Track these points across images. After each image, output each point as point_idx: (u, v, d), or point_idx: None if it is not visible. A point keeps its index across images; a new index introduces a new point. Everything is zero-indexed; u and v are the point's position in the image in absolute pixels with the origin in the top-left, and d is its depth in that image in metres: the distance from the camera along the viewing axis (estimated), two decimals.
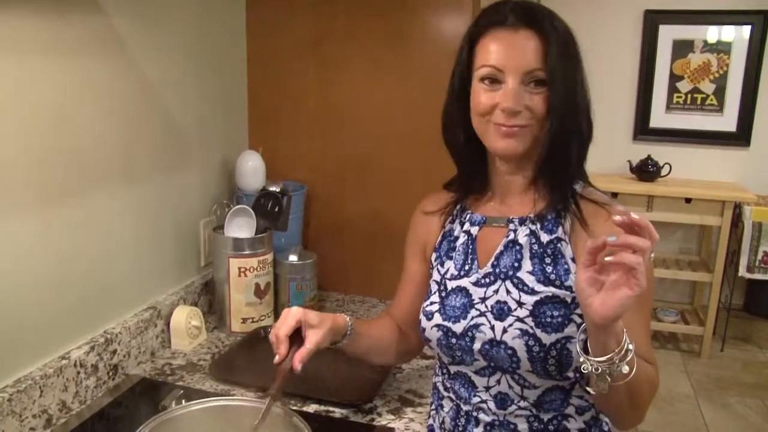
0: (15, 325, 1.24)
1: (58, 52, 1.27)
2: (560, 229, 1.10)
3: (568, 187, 1.12)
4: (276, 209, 1.67)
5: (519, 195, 1.16)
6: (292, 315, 1.13)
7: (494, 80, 1.07)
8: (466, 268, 1.16)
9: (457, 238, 1.20)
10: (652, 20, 4.34)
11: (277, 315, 1.75)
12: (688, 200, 3.97)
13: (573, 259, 1.07)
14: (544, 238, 1.10)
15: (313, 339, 1.13)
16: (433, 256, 1.24)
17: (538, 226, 1.11)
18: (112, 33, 1.41)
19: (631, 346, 0.90)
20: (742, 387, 3.78)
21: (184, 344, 1.61)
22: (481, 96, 1.08)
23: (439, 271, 1.21)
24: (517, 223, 1.13)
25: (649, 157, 4.16)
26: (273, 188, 1.73)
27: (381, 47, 1.81)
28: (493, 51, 1.07)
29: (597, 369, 0.90)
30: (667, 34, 4.37)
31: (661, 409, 3.53)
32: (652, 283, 1.04)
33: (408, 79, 1.81)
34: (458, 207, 1.23)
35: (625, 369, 0.89)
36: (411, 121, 1.82)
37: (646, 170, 4.13)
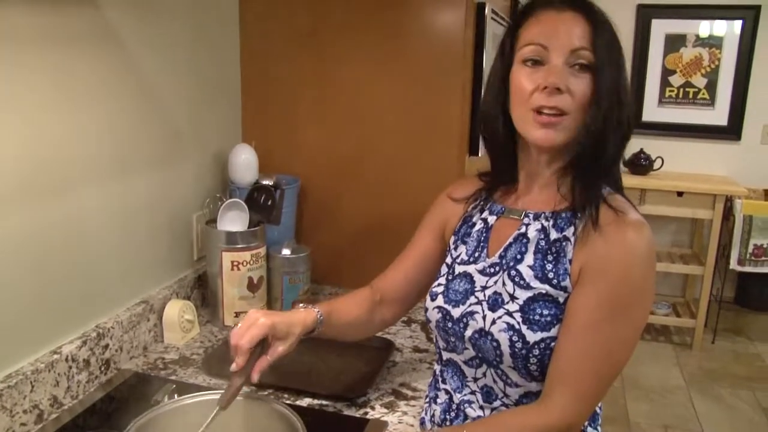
0: (5, 321, 1.22)
1: (50, 44, 1.26)
2: (571, 228, 1.07)
3: (595, 191, 1.07)
4: (269, 203, 1.67)
5: (544, 189, 1.13)
6: (258, 326, 1.08)
7: (537, 61, 1.05)
8: (476, 255, 1.16)
9: (474, 224, 1.20)
10: (645, 14, 4.36)
11: (271, 308, 1.75)
12: (680, 194, 3.99)
13: (570, 261, 1.06)
14: (553, 235, 1.09)
15: (278, 350, 1.10)
16: (452, 239, 1.23)
17: (551, 222, 1.10)
18: (105, 26, 1.40)
19: None
20: (734, 379, 3.81)
21: (177, 338, 1.60)
22: (522, 79, 1.06)
23: (452, 255, 1.21)
24: (531, 218, 1.12)
25: (641, 151, 4.18)
26: (266, 182, 1.73)
27: (378, 41, 1.80)
28: (537, 30, 1.05)
29: None
30: (660, 29, 4.39)
31: (652, 400, 3.56)
32: (636, 320, 1.05)
33: (404, 73, 1.80)
34: (484, 196, 1.22)
35: None
36: (406, 114, 1.82)
37: (639, 164, 4.15)
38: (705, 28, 4.31)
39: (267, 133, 1.93)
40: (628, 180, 3.99)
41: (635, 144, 4.23)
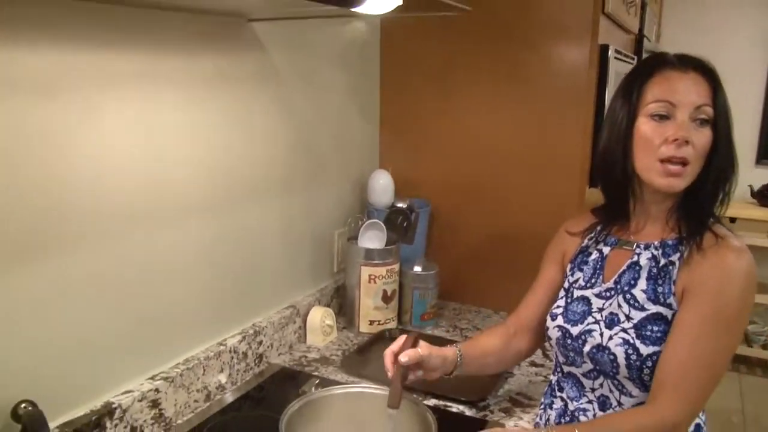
0: (185, 317, 1.48)
1: (229, 83, 1.51)
2: (677, 254, 1.21)
3: (704, 224, 1.21)
4: (405, 224, 1.86)
5: (654, 224, 1.27)
6: (401, 339, 1.28)
7: (663, 116, 1.18)
8: (593, 281, 1.30)
9: (590, 254, 1.34)
10: None
11: (401, 319, 1.94)
12: None
13: (674, 282, 1.19)
14: (662, 261, 1.22)
15: (425, 350, 1.28)
16: (569, 266, 1.38)
17: (660, 251, 1.23)
18: (271, 67, 1.64)
19: None
20: None
21: (318, 340, 1.81)
22: (650, 131, 1.19)
23: (569, 280, 1.36)
24: (642, 248, 1.25)
25: None
26: (401, 204, 1.92)
27: (504, 78, 1.97)
28: (665, 88, 1.18)
29: None
30: None
31: None
32: (733, 333, 1.16)
33: (527, 108, 1.95)
34: (599, 229, 1.36)
35: None
36: (529, 146, 1.97)
37: None
38: None
39: (401, 161, 2.13)
40: (756, 212, 3.93)
41: (766, 175, 4.14)
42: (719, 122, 1.16)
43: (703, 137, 1.16)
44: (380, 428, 1.24)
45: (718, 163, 1.18)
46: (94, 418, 1.22)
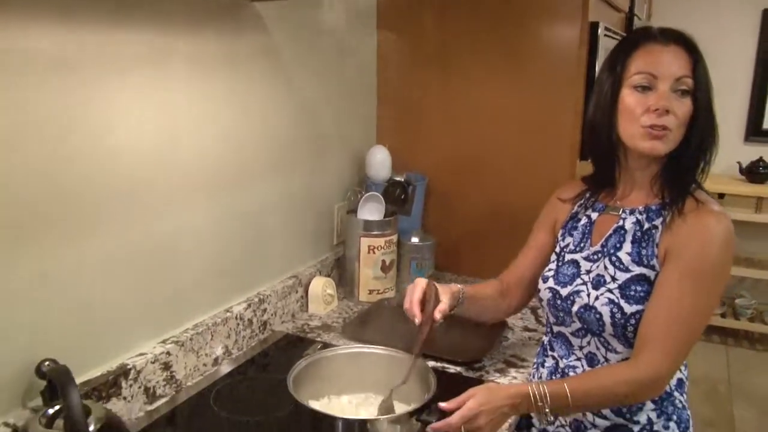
0: (194, 285, 1.54)
1: (232, 64, 1.57)
2: (660, 218, 1.29)
3: (686, 189, 1.28)
4: (402, 197, 1.93)
5: (639, 190, 1.34)
6: (418, 284, 1.37)
7: (645, 87, 1.25)
8: (581, 245, 1.39)
9: (580, 219, 1.42)
10: None
11: (398, 288, 2.02)
12: None
13: (657, 245, 1.26)
14: (646, 225, 1.30)
15: (444, 299, 1.37)
16: (560, 232, 1.46)
17: (644, 216, 1.31)
18: (273, 48, 1.70)
19: (547, 409, 1.18)
20: None
21: (320, 309, 1.88)
22: (632, 102, 1.26)
23: (560, 245, 1.44)
24: (627, 213, 1.33)
25: (760, 159, 4.16)
26: (398, 178, 1.99)
27: (498, 56, 2.03)
28: (647, 60, 1.25)
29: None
30: None
31: (762, 410, 3.55)
32: (712, 293, 1.23)
33: (521, 85, 2.02)
34: (588, 196, 1.44)
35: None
36: (523, 122, 2.04)
37: (757, 172, 4.13)
38: None
39: (397, 136, 2.19)
40: (745, 188, 4.01)
41: (754, 152, 4.22)
42: (699, 93, 1.23)
43: (683, 107, 1.23)
44: (383, 385, 1.31)
45: (699, 132, 1.25)
46: (110, 377, 1.29)
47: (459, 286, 1.45)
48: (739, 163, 4.20)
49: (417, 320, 1.33)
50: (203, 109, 1.50)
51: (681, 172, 1.29)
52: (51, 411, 1.08)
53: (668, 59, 1.24)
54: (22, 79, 1.10)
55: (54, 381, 1.09)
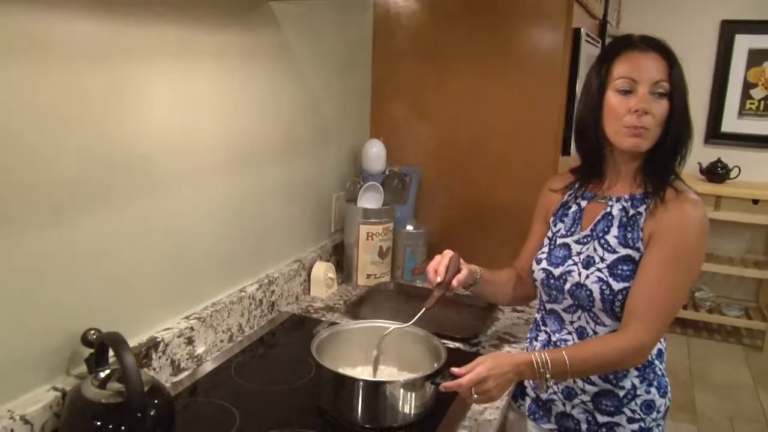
0: (211, 266, 1.65)
1: (245, 57, 1.67)
2: (643, 206, 1.44)
3: (666, 180, 1.44)
4: (400, 187, 2.06)
5: (624, 181, 1.49)
6: (446, 254, 1.53)
7: (627, 91, 1.40)
8: (572, 230, 1.53)
9: (570, 207, 1.57)
10: (729, 30, 4.55)
11: (394, 274, 2.15)
12: (755, 201, 4.19)
13: (642, 229, 1.42)
14: (631, 211, 1.45)
15: (465, 269, 1.52)
16: (552, 219, 1.60)
17: (630, 204, 1.46)
18: (283, 42, 1.82)
19: (548, 375, 1.32)
20: None
21: (322, 292, 2.01)
22: (616, 103, 1.41)
23: (552, 230, 1.58)
24: (614, 201, 1.48)
25: (719, 160, 4.40)
26: (396, 169, 2.12)
27: (488, 57, 2.18)
28: (628, 67, 1.40)
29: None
30: (743, 44, 4.57)
31: (720, 395, 3.78)
32: (689, 272, 1.39)
33: (509, 85, 2.17)
34: (577, 186, 1.58)
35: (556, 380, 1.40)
36: (510, 119, 2.19)
37: (716, 172, 4.37)
38: None
39: (390, 131, 2.32)
40: (704, 187, 4.24)
41: (713, 153, 4.46)
42: (675, 94, 1.38)
43: (660, 107, 1.38)
44: (393, 357, 1.45)
45: (675, 129, 1.40)
46: (143, 349, 1.40)
47: (477, 267, 1.59)
48: (699, 164, 4.43)
49: (439, 279, 1.47)
50: (222, 101, 1.61)
51: (660, 165, 1.44)
52: (102, 374, 1.18)
53: (647, 65, 1.39)
54: (68, 65, 1.18)
55: (108, 345, 1.19)
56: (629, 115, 1.38)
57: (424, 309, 1.46)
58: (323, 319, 1.85)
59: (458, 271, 1.51)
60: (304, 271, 2.00)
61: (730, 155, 4.45)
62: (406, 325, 1.46)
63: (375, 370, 1.46)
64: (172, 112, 1.45)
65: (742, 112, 4.63)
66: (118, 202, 1.33)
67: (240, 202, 1.72)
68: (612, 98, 1.41)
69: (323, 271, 2.00)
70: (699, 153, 4.49)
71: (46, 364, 1.22)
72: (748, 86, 4.60)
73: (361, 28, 2.27)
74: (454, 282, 1.49)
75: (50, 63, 1.15)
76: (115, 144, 1.31)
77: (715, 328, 4.65)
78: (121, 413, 1.11)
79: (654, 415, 1.47)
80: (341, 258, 2.17)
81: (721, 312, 4.50)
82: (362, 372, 1.49)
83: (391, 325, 1.48)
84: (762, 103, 4.61)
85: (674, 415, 3.42)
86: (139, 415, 1.11)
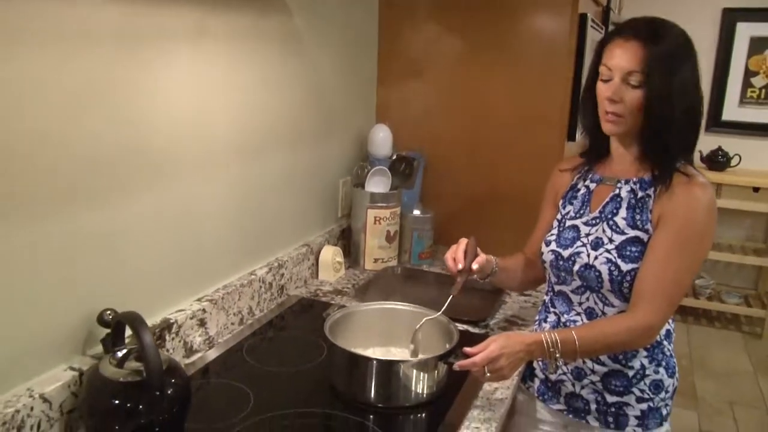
0: (223, 249, 1.67)
1: (255, 41, 1.68)
2: (652, 188, 1.45)
3: (670, 164, 1.44)
4: (407, 171, 2.07)
5: (630, 164, 1.50)
6: (463, 241, 1.55)
7: (606, 79, 1.42)
8: (581, 212, 1.54)
9: (579, 189, 1.58)
10: (731, 18, 4.55)
11: (401, 258, 2.17)
12: (756, 189, 4.20)
13: (651, 211, 1.43)
14: (639, 194, 1.46)
15: (483, 255, 1.54)
16: (561, 201, 1.62)
17: (638, 186, 1.47)
18: (293, 29, 1.82)
19: (558, 354, 1.34)
20: None
21: (330, 276, 2.02)
22: (600, 89, 1.44)
23: (561, 212, 1.60)
24: (623, 183, 1.49)
25: (719, 148, 4.41)
26: (404, 154, 2.13)
27: (494, 44, 2.19)
28: (609, 55, 1.41)
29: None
30: (745, 32, 4.57)
31: (719, 381, 3.80)
32: (697, 254, 1.40)
33: (515, 71, 2.18)
34: (585, 168, 1.60)
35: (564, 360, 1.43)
36: (516, 105, 2.19)
37: (716, 160, 4.38)
38: None
39: (395, 117, 2.33)
40: (705, 175, 4.21)
41: (713, 142, 4.46)
42: (650, 84, 1.36)
43: (632, 95, 1.38)
44: (405, 339, 1.46)
45: (654, 117, 1.39)
46: (157, 330, 1.41)
47: (492, 257, 1.61)
48: (700, 151, 4.44)
49: (460, 266, 1.50)
50: (233, 87, 1.62)
51: (657, 149, 1.44)
52: (120, 354, 1.19)
53: (620, 55, 1.39)
54: (91, 51, 1.19)
55: (125, 325, 1.21)
56: (606, 101, 1.41)
57: (451, 297, 1.48)
58: (332, 302, 1.86)
59: (476, 255, 1.53)
60: (312, 255, 2.01)
61: (730, 143, 4.46)
62: (436, 314, 1.47)
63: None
64: (186, 98, 1.46)
65: (743, 100, 4.64)
66: (134, 187, 1.35)
67: (249, 188, 1.73)
68: (598, 84, 1.44)
69: (331, 255, 2.01)
70: (700, 141, 4.34)
71: (63, 344, 1.23)
72: (749, 74, 4.61)
73: (368, 14, 2.28)
74: (474, 265, 1.51)
75: (73, 47, 1.16)
76: (132, 129, 1.32)
77: (714, 315, 4.67)
78: (140, 391, 1.13)
79: (662, 395, 1.49)
80: (348, 242, 2.18)
81: (721, 299, 4.52)
82: (374, 353, 1.50)
83: (422, 317, 1.48)
84: (763, 91, 4.61)
85: (675, 400, 3.46)
86: (158, 393, 1.12)
